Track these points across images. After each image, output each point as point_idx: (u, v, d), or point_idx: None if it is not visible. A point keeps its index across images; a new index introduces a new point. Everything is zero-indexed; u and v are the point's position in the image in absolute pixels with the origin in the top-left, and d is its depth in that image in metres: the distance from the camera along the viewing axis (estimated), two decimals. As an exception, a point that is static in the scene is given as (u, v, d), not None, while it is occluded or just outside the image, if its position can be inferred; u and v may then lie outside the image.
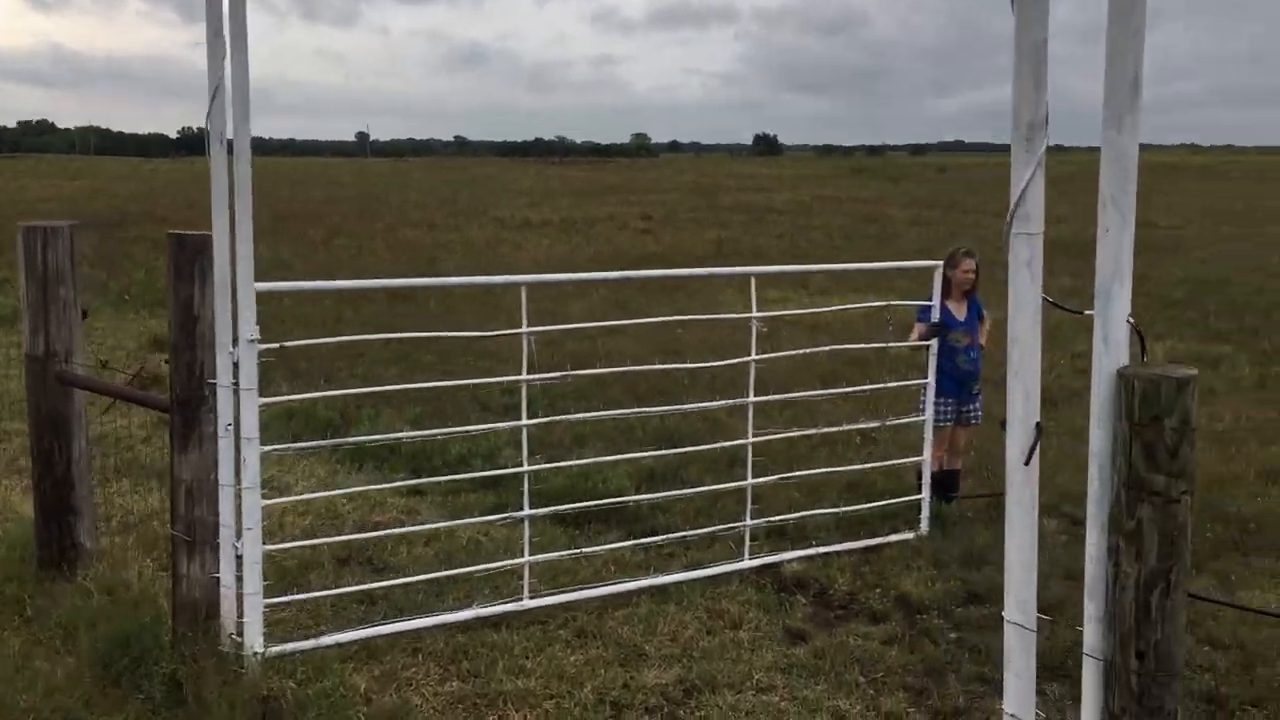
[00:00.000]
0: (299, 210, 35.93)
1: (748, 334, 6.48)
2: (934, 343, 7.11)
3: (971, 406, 7.45)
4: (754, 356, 6.66)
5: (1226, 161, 65.95)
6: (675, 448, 7.51)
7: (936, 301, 7.14)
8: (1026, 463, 2.70)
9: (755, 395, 6.69)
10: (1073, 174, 54.32)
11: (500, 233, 28.30)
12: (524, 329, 5.94)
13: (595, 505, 6.70)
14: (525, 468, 6.06)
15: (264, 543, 5.05)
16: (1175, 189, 41.62)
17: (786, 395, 6.92)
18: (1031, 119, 2.58)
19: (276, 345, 4.95)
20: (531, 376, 6.08)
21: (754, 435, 6.72)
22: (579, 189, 48.97)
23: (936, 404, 7.22)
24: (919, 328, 7.33)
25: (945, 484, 7.50)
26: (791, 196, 40.26)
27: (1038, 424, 2.69)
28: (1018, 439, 2.71)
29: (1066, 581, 5.60)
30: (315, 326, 13.21)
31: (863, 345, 7.21)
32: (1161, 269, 18.68)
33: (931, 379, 7.17)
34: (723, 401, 6.80)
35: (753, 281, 6.71)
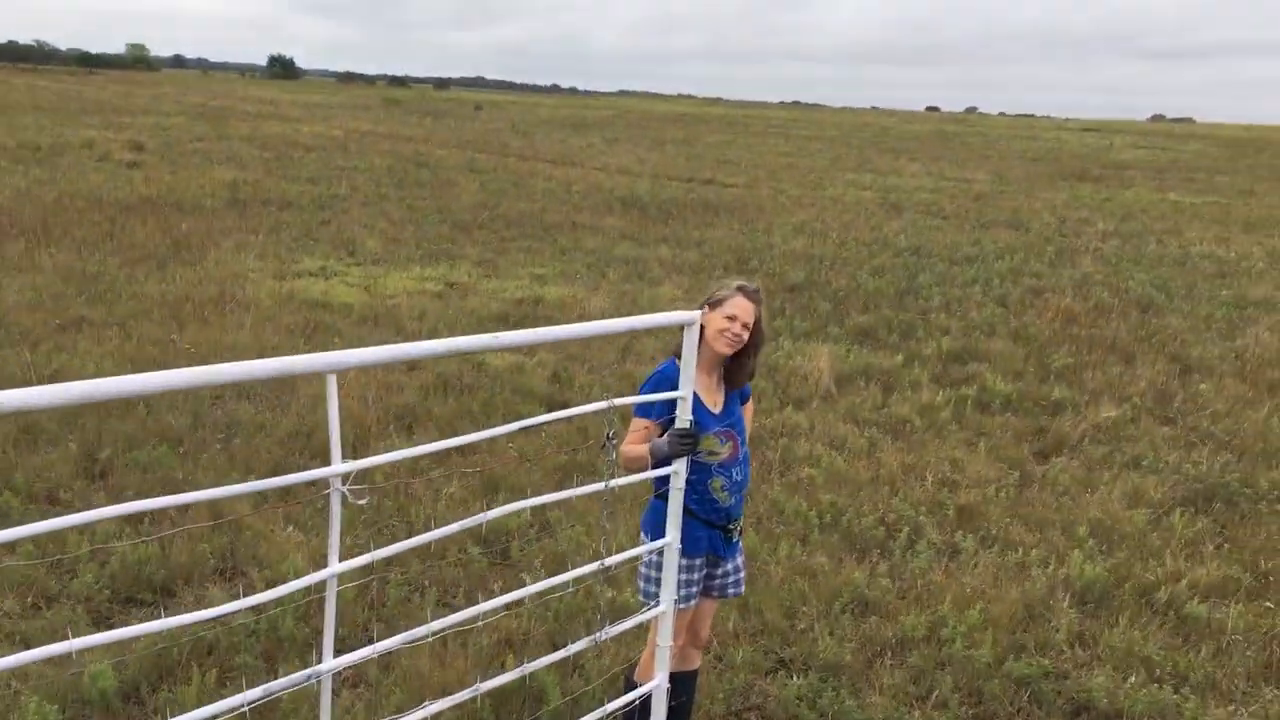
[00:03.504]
0: None
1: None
2: (682, 463, 3.67)
3: (730, 566, 4.11)
4: (337, 567, 2.80)
5: (747, 115, 69.11)
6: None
7: (686, 387, 3.66)
8: None
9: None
10: (610, 118, 53.47)
11: (-80, 160, 20.90)
12: None
13: None
14: None
15: None
16: (712, 141, 41.75)
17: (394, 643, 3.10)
18: None
19: None
20: None
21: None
22: (50, 105, 39.92)
23: (679, 573, 3.82)
24: (641, 430, 3.87)
25: (676, 711, 4.13)
26: (321, 130, 34.95)
27: None
28: None
29: None
30: None
31: (553, 496, 3.53)
32: (757, 241, 16.71)
33: (671, 535, 3.72)
34: (275, 683, 2.86)
35: (332, 385, 2.79)
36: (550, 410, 8.26)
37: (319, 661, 2.87)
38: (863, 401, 8.75)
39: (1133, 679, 4.81)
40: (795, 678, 4.81)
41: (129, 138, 27.65)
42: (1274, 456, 7.80)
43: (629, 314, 11.50)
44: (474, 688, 3.22)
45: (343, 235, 15.62)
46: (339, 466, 2.78)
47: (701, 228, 17.90)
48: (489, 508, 6.39)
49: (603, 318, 11.18)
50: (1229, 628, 5.27)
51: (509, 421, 8.00)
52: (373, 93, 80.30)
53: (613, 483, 3.51)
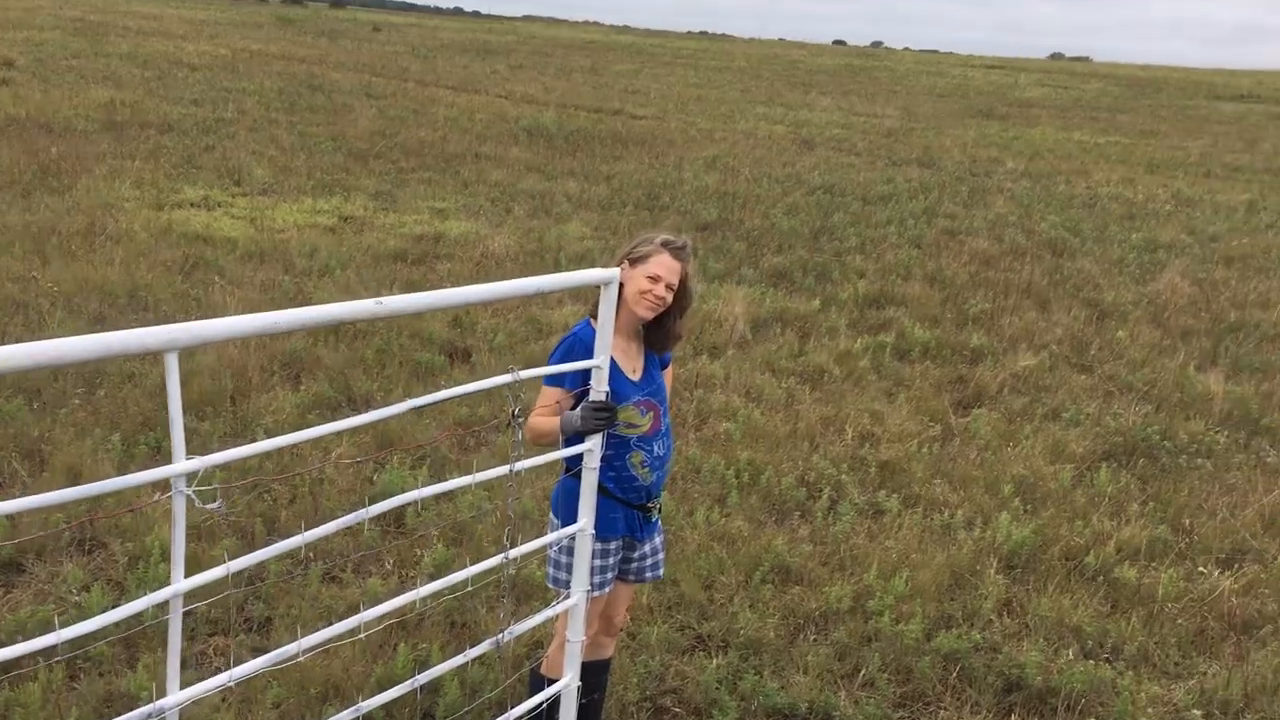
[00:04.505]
0: None
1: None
2: (596, 439, 3.25)
3: (648, 548, 3.71)
4: (181, 584, 2.31)
5: (655, 44, 67.76)
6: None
7: (603, 355, 3.21)
8: None
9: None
10: (511, 44, 51.67)
11: None
12: None
13: None
14: None
15: None
16: (620, 70, 40.81)
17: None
18: None
19: None
20: None
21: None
22: (-90, 13, 37.13)
23: (593, 558, 3.42)
24: (551, 401, 3.44)
25: (588, 708, 3.76)
26: (208, 49, 33.01)
27: None
28: None
29: None
30: None
31: (454, 483, 3.06)
32: (668, 176, 16.22)
33: (584, 520, 3.30)
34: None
35: (172, 366, 2.27)
36: (450, 357, 7.77)
37: (160, 695, 2.38)
38: (779, 349, 8.42)
39: (1065, 654, 4.58)
40: (714, 657, 4.47)
41: (-3, 52, 25.74)
42: (1191, 407, 7.70)
43: (534, 252, 10.97)
44: (355, 707, 2.78)
45: (228, 163, 14.66)
46: (182, 464, 2.28)
47: (610, 161, 17.32)
48: (381, 467, 5.93)
49: (507, 256, 10.65)
50: (1159, 594, 5.08)
51: (405, 370, 7.47)
52: (265, 10, 76.71)
53: (518, 465, 3.07)
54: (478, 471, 5.39)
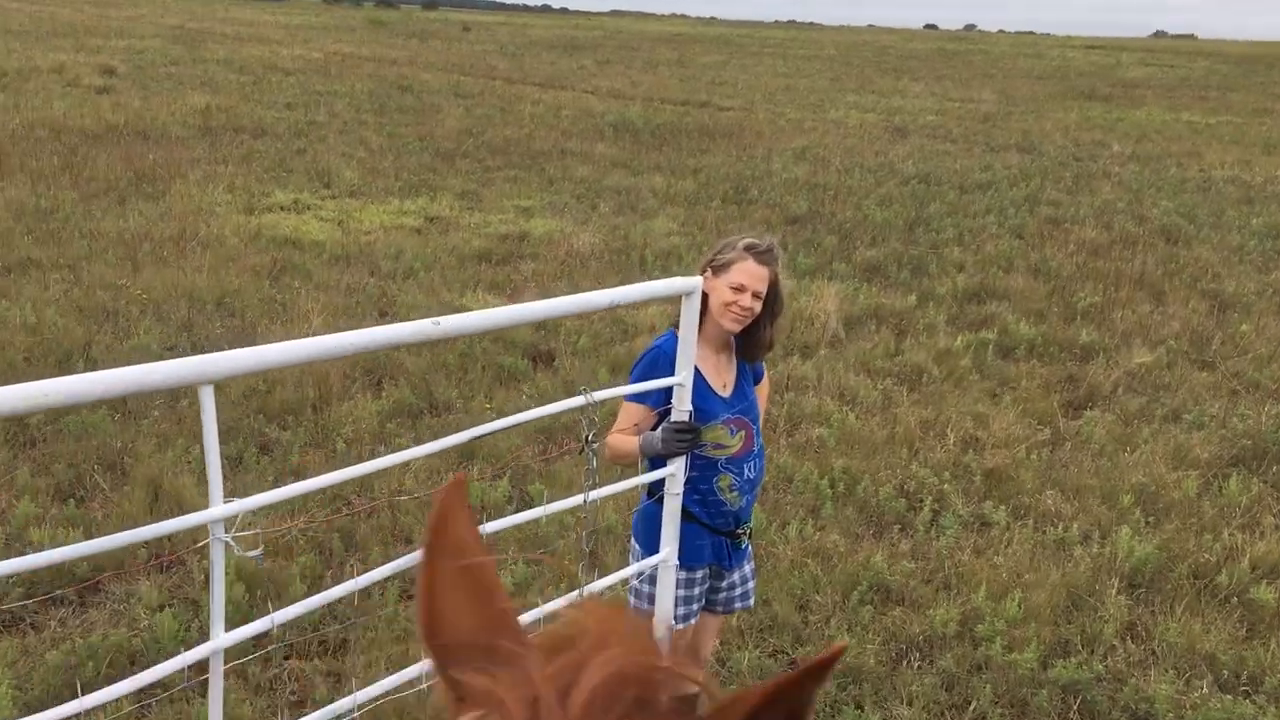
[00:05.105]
0: None
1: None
2: (679, 463, 3.00)
3: (736, 576, 3.44)
4: (222, 639, 2.11)
5: (742, 35, 67.17)
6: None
7: (685, 371, 2.94)
8: None
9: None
10: (599, 39, 51.68)
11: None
12: None
13: None
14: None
15: None
16: (707, 62, 40.44)
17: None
18: None
19: None
20: None
21: None
22: (21, 27, 38.51)
23: (677, 589, 3.17)
24: (634, 416, 3.19)
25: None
26: (302, 53, 33.56)
27: None
28: None
29: None
30: None
31: (525, 515, 2.83)
32: (756, 169, 15.84)
33: (667, 550, 3.04)
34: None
35: (208, 401, 2.07)
36: (533, 361, 7.58)
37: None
38: (874, 348, 8.05)
39: (1199, 685, 4.18)
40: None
41: (101, 61, 26.45)
42: (1327, 407, 7.13)
43: (620, 249, 10.74)
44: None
45: (318, 165, 14.73)
46: (219, 509, 2.08)
47: (697, 154, 17.01)
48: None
49: (592, 254, 10.45)
50: (1302, 618, 4.63)
51: (487, 374, 7.27)
52: (359, 14, 78.03)
53: (593, 494, 2.82)
54: (557, 483, 5.13)
